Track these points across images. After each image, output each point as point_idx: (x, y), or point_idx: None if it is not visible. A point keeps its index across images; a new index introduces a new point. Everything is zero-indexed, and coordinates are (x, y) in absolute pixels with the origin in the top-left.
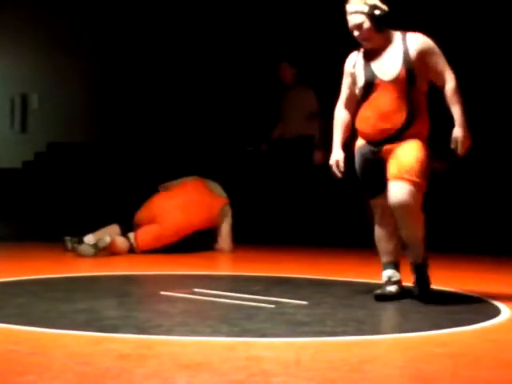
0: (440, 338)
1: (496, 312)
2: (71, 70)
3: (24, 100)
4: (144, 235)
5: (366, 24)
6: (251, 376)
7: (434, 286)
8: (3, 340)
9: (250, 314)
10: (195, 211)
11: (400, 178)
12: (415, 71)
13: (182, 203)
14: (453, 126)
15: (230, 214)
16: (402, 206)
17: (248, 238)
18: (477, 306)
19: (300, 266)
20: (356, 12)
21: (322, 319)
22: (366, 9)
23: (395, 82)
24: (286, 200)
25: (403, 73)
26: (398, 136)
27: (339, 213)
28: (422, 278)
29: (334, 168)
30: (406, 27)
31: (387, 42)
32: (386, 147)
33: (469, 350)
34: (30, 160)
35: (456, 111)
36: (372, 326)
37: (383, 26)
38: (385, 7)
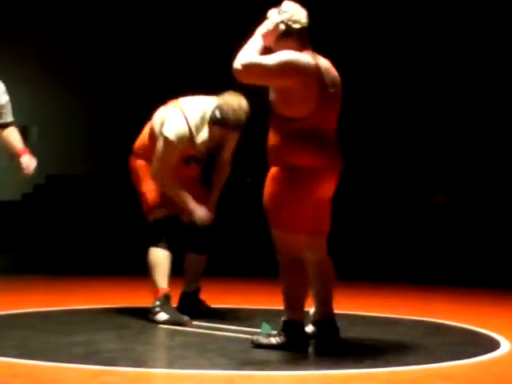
0: (440, 372)
1: (496, 345)
2: (71, 102)
3: (24, 132)
4: None
5: None
6: None
7: (436, 319)
8: (1, 373)
9: (249, 346)
10: None
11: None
12: None
13: None
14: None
15: None
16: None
17: (247, 271)
18: (477, 339)
19: None
20: None
21: (322, 352)
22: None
23: None
24: None
25: None
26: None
27: (340, 246)
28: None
29: None
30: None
31: None
32: None
33: None
34: (29, 192)
35: None
36: (372, 359)
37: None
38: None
